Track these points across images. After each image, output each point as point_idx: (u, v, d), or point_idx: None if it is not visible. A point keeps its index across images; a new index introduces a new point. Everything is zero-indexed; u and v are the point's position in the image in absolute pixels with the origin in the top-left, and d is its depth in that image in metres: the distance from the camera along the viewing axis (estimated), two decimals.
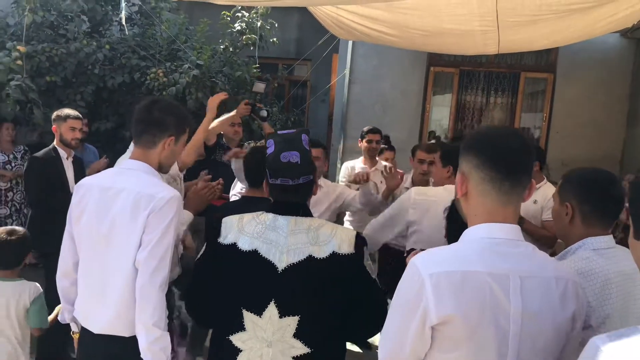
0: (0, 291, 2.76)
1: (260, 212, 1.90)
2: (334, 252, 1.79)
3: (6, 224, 5.17)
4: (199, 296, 1.96)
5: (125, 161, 2.14)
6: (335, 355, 1.87)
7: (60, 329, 3.67)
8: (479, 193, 1.40)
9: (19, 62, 5.17)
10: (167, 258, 1.97)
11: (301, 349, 1.77)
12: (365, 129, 4.81)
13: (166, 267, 1.97)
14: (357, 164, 4.86)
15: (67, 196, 3.76)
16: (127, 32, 6.39)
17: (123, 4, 5.28)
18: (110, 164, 4.47)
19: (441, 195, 2.87)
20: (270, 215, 1.87)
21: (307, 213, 1.92)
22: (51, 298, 3.78)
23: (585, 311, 1.45)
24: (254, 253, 1.81)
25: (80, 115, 3.99)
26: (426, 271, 1.31)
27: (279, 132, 1.99)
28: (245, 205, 2.45)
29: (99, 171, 4.07)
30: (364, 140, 4.77)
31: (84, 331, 2.13)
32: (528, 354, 1.32)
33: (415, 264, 1.35)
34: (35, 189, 3.85)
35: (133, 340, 1.99)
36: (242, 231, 1.85)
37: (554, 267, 1.40)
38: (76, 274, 2.16)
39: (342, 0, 4.18)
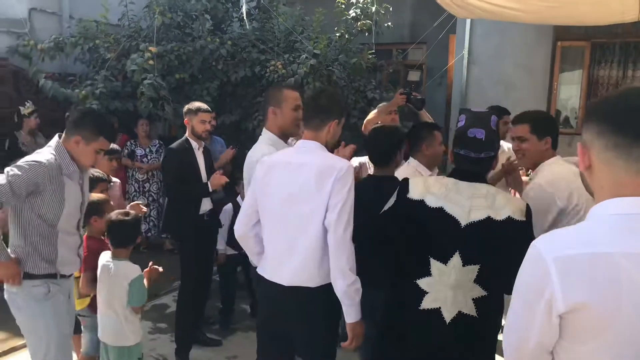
0: (114, 269, 3.00)
1: (442, 177, 2.22)
2: (509, 216, 2.04)
3: (145, 215, 5.63)
4: (383, 241, 2.29)
5: (300, 141, 2.46)
6: (502, 300, 2.07)
7: (191, 310, 4.00)
8: (603, 163, 1.21)
9: (151, 62, 5.56)
10: (351, 216, 2.25)
11: (479, 292, 2.07)
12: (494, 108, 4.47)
13: (351, 223, 2.25)
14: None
15: (199, 184, 4.04)
16: (247, 27, 6.64)
17: (243, 0, 5.47)
18: (237, 154, 4.69)
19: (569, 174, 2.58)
20: (452, 180, 2.15)
21: (485, 182, 2.17)
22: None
23: None
24: (441, 210, 2.10)
25: (210, 109, 4.18)
26: (550, 255, 1.17)
27: (471, 108, 2.27)
28: (374, 185, 2.88)
29: (227, 161, 4.23)
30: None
31: (271, 285, 2.40)
32: None
33: (537, 246, 1.22)
34: (172, 178, 4.11)
35: (317, 290, 2.30)
36: (429, 191, 2.13)
37: None
38: (252, 233, 2.48)
39: None
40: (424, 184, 2.17)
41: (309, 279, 2.31)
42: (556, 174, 2.57)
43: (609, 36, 6.53)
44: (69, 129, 2.79)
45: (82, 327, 3.46)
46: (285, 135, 3.02)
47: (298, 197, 2.30)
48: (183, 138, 4.12)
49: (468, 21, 6.99)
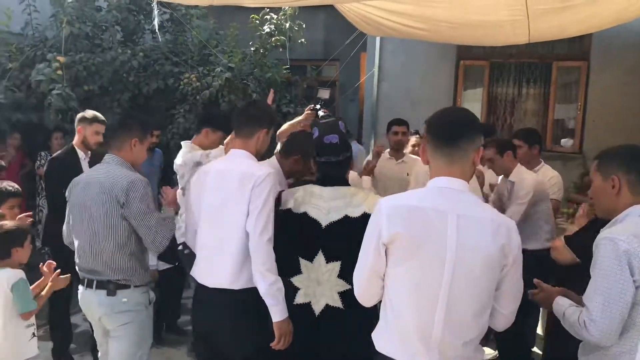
0: None
1: (310, 185, 2.43)
2: (364, 212, 2.27)
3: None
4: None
5: (231, 150, 2.60)
6: None
7: (62, 297, 3.78)
8: (431, 158, 1.84)
9: (59, 72, 5.36)
10: (269, 221, 2.36)
11: (343, 286, 2.29)
12: (391, 120, 4.78)
13: (270, 227, 2.36)
14: (383, 156, 4.80)
15: None
16: (159, 40, 6.55)
17: (156, 12, 5.42)
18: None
19: None
20: (317, 187, 2.40)
21: (345, 184, 2.42)
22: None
23: (517, 251, 1.75)
24: (304, 215, 2.36)
25: (105, 120, 3.97)
26: (384, 205, 1.78)
27: (321, 121, 2.54)
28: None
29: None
30: (389, 133, 4.72)
31: (200, 287, 2.53)
32: (463, 279, 1.70)
33: (380, 201, 1.82)
34: (54, 189, 3.81)
35: (240, 292, 2.40)
36: (296, 200, 2.39)
37: (491, 212, 1.79)
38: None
39: None
40: (293, 194, 2.43)
41: (234, 282, 2.41)
42: None
43: (505, 57, 7.06)
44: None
45: None
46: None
47: (225, 203, 2.43)
48: (68, 146, 3.93)
49: (378, 39, 7.28)
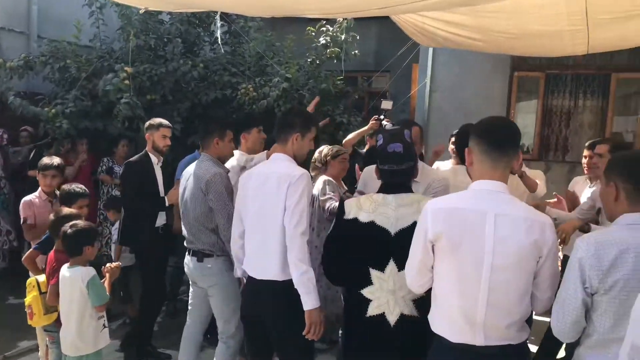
0: (69, 275, 3.11)
1: (372, 194, 2.46)
2: None
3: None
4: (333, 261, 2.51)
5: (272, 155, 2.84)
6: None
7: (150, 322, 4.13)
8: (478, 162, 2.03)
9: (127, 82, 5.63)
10: (304, 215, 2.58)
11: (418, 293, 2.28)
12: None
13: (304, 222, 2.58)
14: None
15: (157, 198, 4.11)
16: (219, 51, 6.78)
17: (218, 25, 5.62)
18: None
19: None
20: (381, 195, 2.41)
21: (410, 191, 2.45)
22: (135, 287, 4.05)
23: (550, 245, 1.93)
24: (372, 224, 2.36)
25: (170, 125, 4.32)
26: (429, 207, 2.01)
27: (387, 128, 2.55)
28: None
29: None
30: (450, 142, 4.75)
31: (250, 279, 2.79)
32: (500, 270, 1.89)
33: (426, 204, 2.04)
34: (130, 191, 4.17)
35: (285, 282, 2.61)
36: (361, 209, 2.40)
37: (525, 210, 1.96)
38: (242, 240, 2.85)
39: (424, 7, 4.25)
40: (357, 203, 2.44)
41: (277, 274, 2.64)
42: None
43: (561, 68, 6.97)
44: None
45: (48, 343, 3.44)
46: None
47: (266, 202, 2.66)
48: (142, 152, 4.19)
49: (430, 50, 7.31)
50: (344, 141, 4.43)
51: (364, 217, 2.37)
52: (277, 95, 5.96)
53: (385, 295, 2.32)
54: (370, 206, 2.38)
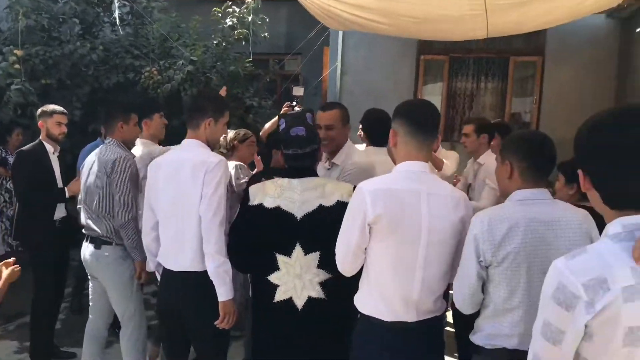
0: None
1: (278, 179, 2.40)
2: (338, 200, 2.30)
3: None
4: (239, 249, 2.46)
5: (183, 141, 2.69)
6: (353, 280, 2.25)
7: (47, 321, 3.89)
8: (403, 143, 2.07)
9: (17, 66, 5.21)
10: (221, 204, 2.51)
11: (324, 275, 2.30)
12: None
13: (221, 211, 2.51)
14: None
15: (54, 189, 3.87)
16: (120, 33, 6.44)
17: (116, 4, 5.32)
18: None
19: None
20: (286, 180, 2.37)
21: (314, 175, 2.43)
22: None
23: (469, 219, 2.01)
24: (277, 209, 2.32)
25: (65, 111, 4.04)
26: (366, 189, 1.99)
27: (289, 113, 2.51)
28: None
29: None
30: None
31: (165, 271, 2.70)
32: (435, 246, 1.99)
33: (359, 186, 2.02)
34: (24, 183, 3.89)
35: (203, 273, 2.53)
36: (266, 194, 2.36)
37: (450, 189, 2.08)
38: (155, 232, 2.72)
39: None
40: (262, 188, 2.40)
41: (195, 265, 2.57)
42: None
43: (464, 51, 7.22)
44: None
45: None
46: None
47: (181, 191, 2.56)
48: (36, 141, 3.94)
49: (340, 34, 7.33)
50: (261, 132, 4.41)
51: (269, 203, 2.33)
52: (182, 79, 5.77)
53: (292, 279, 2.32)
54: (276, 191, 2.35)
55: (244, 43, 6.73)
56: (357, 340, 2.13)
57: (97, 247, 3.20)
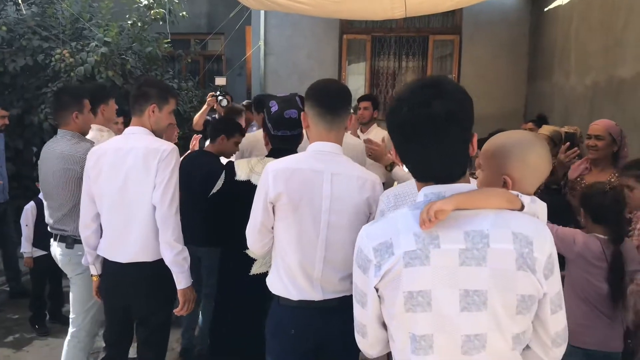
0: None
1: (263, 157, 2.50)
2: None
3: None
4: (217, 221, 2.56)
5: (127, 128, 2.62)
6: None
7: None
8: (313, 124, 2.09)
9: None
10: (176, 192, 2.49)
11: None
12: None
13: (176, 199, 2.50)
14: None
15: None
16: (24, 12, 6.03)
17: None
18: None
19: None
20: (272, 159, 2.33)
21: None
22: None
23: (378, 200, 2.04)
24: None
25: None
26: (270, 169, 2.02)
27: (278, 95, 2.53)
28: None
29: None
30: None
31: (110, 264, 2.61)
32: (337, 226, 2.01)
33: (267, 165, 2.05)
34: None
35: (153, 264, 2.52)
36: (254, 171, 2.45)
37: (359, 170, 2.08)
38: (95, 224, 2.63)
39: None
40: (248, 165, 2.48)
41: (145, 255, 2.52)
42: None
43: (385, 31, 7.32)
44: None
45: None
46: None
47: (128, 179, 2.48)
48: None
49: (262, 13, 7.22)
50: (193, 125, 4.41)
51: (256, 180, 2.35)
52: (97, 61, 5.48)
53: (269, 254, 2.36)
54: (262, 169, 2.37)
55: (161, 23, 6.49)
56: (270, 320, 2.17)
57: (69, 246, 3.03)
